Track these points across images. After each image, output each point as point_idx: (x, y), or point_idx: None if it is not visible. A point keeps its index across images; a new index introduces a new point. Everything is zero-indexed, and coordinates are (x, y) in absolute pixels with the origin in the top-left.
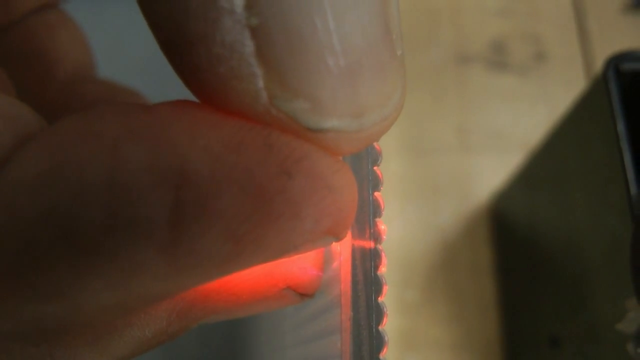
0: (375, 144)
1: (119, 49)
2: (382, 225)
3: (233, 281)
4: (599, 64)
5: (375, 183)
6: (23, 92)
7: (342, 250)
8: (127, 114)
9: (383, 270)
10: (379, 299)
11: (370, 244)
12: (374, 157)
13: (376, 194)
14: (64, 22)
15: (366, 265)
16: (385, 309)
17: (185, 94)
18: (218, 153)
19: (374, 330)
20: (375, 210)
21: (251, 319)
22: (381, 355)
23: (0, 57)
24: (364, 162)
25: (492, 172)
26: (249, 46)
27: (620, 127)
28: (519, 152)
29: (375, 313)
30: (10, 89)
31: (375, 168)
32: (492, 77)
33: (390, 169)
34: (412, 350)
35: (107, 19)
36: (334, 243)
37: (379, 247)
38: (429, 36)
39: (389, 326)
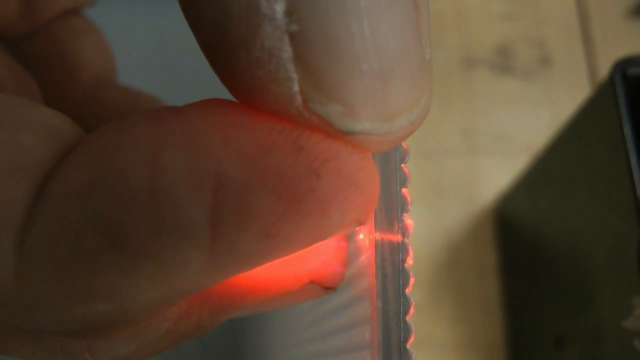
0: (402, 142)
1: (118, 49)
2: (409, 220)
3: (260, 277)
4: (602, 68)
5: (403, 179)
6: (47, 96)
7: (370, 243)
8: (161, 120)
9: (410, 262)
10: (407, 290)
11: (398, 238)
12: (402, 155)
13: (403, 190)
14: (88, 28)
15: (394, 258)
16: (412, 300)
17: (185, 94)
18: (250, 156)
19: (401, 320)
20: (402, 205)
21: (254, 321)
22: (408, 345)
23: (26, 62)
24: (392, 160)
25: (497, 175)
26: (287, 51)
27: (627, 130)
28: (523, 154)
29: (403, 304)
30: (37, 94)
31: (402, 165)
32: (498, 81)
33: None
34: (417, 350)
35: (108, 20)
36: (362, 237)
37: (406, 240)
38: (434, 40)
39: None
